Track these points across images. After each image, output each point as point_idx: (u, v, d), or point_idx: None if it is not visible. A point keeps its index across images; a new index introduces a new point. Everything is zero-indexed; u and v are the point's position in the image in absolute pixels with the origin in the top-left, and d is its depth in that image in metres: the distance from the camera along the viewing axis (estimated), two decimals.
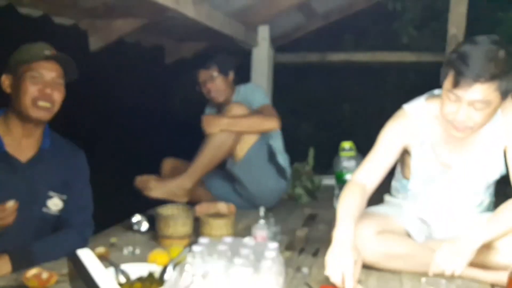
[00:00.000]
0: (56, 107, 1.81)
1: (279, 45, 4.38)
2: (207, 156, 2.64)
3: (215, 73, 2.88)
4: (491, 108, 1.67)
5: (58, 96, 1.80)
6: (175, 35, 3.67)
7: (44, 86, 1.75)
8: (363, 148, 2.91)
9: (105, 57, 3.07)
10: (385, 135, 1.98)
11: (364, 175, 1.93)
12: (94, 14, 2.82)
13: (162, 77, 4.29)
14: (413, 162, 1.99)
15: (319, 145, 4.11)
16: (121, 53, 3.33)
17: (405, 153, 2.02)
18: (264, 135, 2.83)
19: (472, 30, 3.60)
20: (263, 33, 3.87)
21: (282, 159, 2.93)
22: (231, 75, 2.94)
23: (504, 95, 1.66)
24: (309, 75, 5.28)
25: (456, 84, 1.64)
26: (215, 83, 2.89)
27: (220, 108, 2.95)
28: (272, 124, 2.74)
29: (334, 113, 5.60)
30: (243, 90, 2.97)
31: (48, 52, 1.77)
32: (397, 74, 5.16)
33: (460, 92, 1.64)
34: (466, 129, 1.73)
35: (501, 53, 1.61)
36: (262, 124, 2.73)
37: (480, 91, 1.61)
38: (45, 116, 1.80)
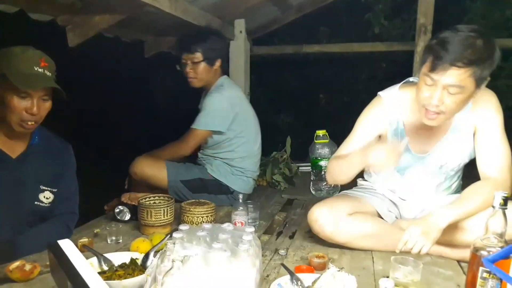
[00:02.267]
0: (42, 119, 1.82)
1: (256, 37, 4.44)
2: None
3: (198, 59, 2.77)
4: (465, 94, 1.73)
5: (44, 111, 1.80)
6: (153, 30, 3.69)
7: (31, 106, 1.73)
8: (339, 135, 3.02)
9: (84, 52, 3.07)
10: (361, 121, 2.07)
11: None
12: (71, 10, 2.83)
13: (141, 71, 4.31)
14: None
15: (297, 133, 4.21)
16: (100, 48, 3.34)
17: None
18: (215, 150, 2.88)
19: (440, 19, 3.73)
20: (239, 26, 3.91)
21: (242, 167, 2.90)
22: (217, 63, 2.81)
23: (478, 82, 1.72)
24: (286, 66, 5.35)
25: (433, 68, 1.71)
26: (196, 69, 2.79)
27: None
28: (183, 151, 2.80)
29: (310, 102, 5.69)
30: (221, 85, 2.84)
31: (37, 69, 1.73)
32: (370, 63, 5.25)
33: (436, 76, 1.71)
34: (439, 115, 1.78)
35: (479, 42, 1.67)
36: (176, 152, 2.83)
37: (456, 76, 1.68)
38: (30, 130, 1.83)
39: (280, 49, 4.64)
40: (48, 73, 1.76)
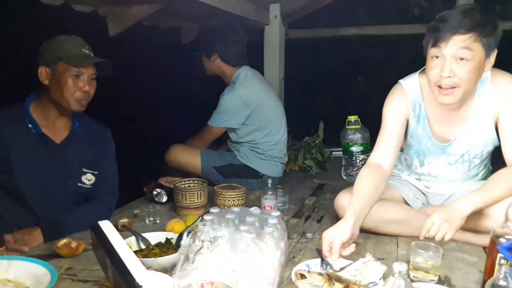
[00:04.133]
0: (90, 98, 2.02)
1: (291, 21, 4.44)
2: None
3: (198, 53, 3.06)
4: (475, 61, 1.71)
5: (93, 91, 2.01)
6: (190, 17, 3.79)
7: (84, 84, 1.94)
8: (377, 120, 3.05)
9: (124, 40, 3.21)
10: (387, 111, 2.06)
11: (377, 155, 1.99)
12: (111, 1, 2.96)
13: (179, 57, 4.43)
14: (409, 135, 2.07)
15: (333, 118, 4.21)
16: (139, 35, 3.46)
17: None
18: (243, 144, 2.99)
19: (482, 0, 3.62)
20: (275, 11, 3.94)
21: (270, 155, 2.98)
22: (213, 57, 2.97)
23: (487, 49, 1.72)
24: (323, 49, 5.32)
25: (436, 41, 1.73)
26: (201, 59, 3.06)
27: None
28: (200, 146, 2.98)
29: (348, 86, 5.66)
30: (234, 82, 2.95)
31: (85, 51, 1.95)
32: (410, 45, 5.12)
33: (441, 47, 1.73)
34: (454, 89, 1.76)
35: (476, 13, 1.72)
36: (195, 147, 2.98)
37: (460, 41, 1.69)
38: (83, 108, 2.01)
39: (317, 32, 4.58)
40: (92, 55, 1.99)
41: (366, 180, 1.90)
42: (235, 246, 1.49)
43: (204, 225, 1.60)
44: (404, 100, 2.03)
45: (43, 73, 1.94)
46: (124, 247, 1.15)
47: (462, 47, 1.70)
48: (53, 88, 1.94)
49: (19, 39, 3.42)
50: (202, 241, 1.51)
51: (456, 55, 1.71)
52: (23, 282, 1.27)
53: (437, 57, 1.76)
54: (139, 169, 3.33)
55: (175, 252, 1.71)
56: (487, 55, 1.74)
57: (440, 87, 1.79)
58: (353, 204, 1.81)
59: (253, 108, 2.88)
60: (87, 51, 1.97)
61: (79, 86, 1.93)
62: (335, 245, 1.69)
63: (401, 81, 2.08)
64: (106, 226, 1.25)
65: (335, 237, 1.70)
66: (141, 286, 0.94)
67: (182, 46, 4.04)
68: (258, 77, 3.10)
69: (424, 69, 2.02)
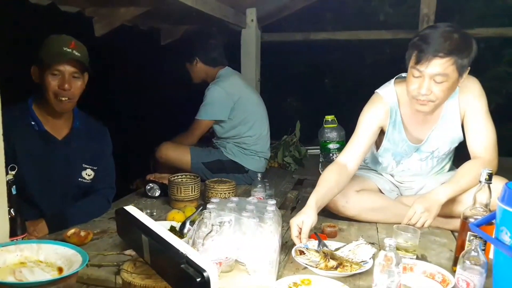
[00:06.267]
0: (76, 98, 2.06)
1: (265, 25, 4.62)
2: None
3: (185, 59, 3.22)
4: (450, 82, 1.94)
5: (76, 89, 2.03)
6: (170, 19, 3.91)
7: (63, 82, 1.97)
8: (345, 119, 3.27)
9: (109, 41, 3.29)
10: (363, 119, 2.22)
11: (345, 156, 2.18)
12: (98, 2, 3.05)
13: (158, 57, 4.53)
14: (386, 140, 2.26)
15: (304, 117, 4.42)
16: (122, 36, 3.55)
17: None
18: (230, 140, 3.16)
19: (442, 9, 3.93)
20: (251, 15, 4.12)
21: (253, 150, 3.17)
22: (195, 62, 3.16)
23: (460, 70, 1.93)
24: (293, 52, 5.53)
25: (418, 60, 1.93)
26: (188, 70, 3.24)
27: None
28: (189, 141, 3.13)
29: (317, 87, 5.89)
30: (218, 77, 3.14)
31: (66, 49, 1.96)
32: (374, 49, 5.41)
33: (422, 67, 1.92)
34: (429, 102, 2.00)
35: (456, 35, 1.91)
36: (183, 142, 3.13)
37: (439, 65, 1.89)
38: (67, 107, 2.06)
39: (289, 36, 4.79)
40: (76, 53, 2.00)
41: (331, 175, 2.10)
42: (242, 229, 1.66)
43: (210, 212, 1.75)
44: (382, 108, 2.20)
45: (34, 72, 2.02)
46: (156, 225, 1.29)
47: (439, 72, 1.91)
48: (42, 87, 2.01)
49: (6, 38, 3.43)
50: (212, 225, 1.66)
51: (433, 76, 1.93)
52: (55, 262, 1.37)
53: (417, 76, 1.97)
54: (124, 167, 3.41)
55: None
56: (460, 75, 1.96)
57: (417, 99, 2.02)
58: (317, 193, 2.01)
59: (236, 100, 3.06)
60: (68, 49, 1.97)
61: (58, 84, 1.97)
62: (305, 229, 1.85)
63: (378, 91, 2.25)
64: (133, 210, 1.39)
65: (305, 222, 1.86)
66: (185, 253, 1.08)
67: (161, 46, 4.15)
68: (239, 75, 3.34)
69: (399, 77, 2.25)
